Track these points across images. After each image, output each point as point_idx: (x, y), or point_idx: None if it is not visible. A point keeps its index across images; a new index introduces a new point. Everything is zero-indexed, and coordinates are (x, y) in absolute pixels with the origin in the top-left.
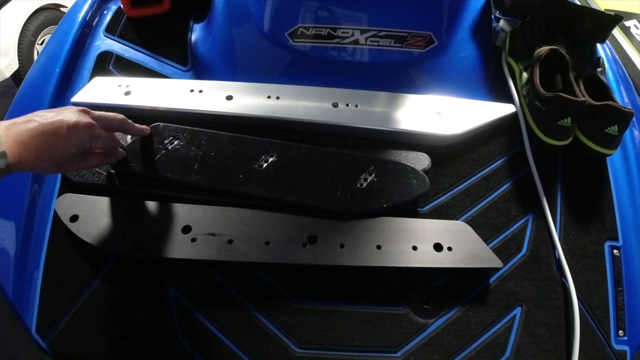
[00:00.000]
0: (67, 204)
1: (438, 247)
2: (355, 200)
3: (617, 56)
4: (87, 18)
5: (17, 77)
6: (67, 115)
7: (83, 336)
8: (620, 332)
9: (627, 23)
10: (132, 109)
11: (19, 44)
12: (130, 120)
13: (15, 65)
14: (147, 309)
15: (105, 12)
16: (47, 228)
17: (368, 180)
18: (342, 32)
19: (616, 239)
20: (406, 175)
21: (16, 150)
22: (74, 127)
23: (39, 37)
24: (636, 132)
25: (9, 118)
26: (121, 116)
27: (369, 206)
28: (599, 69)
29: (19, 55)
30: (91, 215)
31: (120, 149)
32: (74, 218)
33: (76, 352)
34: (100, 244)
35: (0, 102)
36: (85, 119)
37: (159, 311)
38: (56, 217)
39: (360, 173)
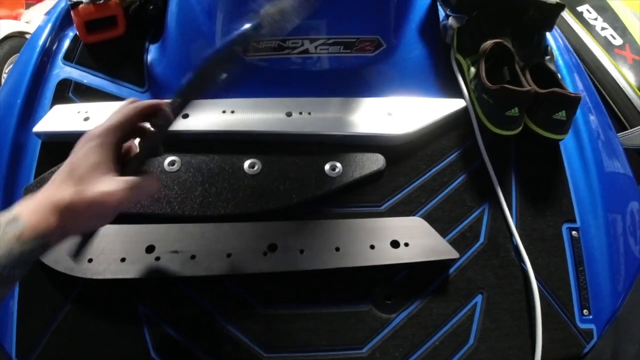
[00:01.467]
0: None
1: (395, 244)
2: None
3: (568, 44)
4: (46, 46)
5: None
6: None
7: (57, 355)
8: (585, 312)
9: (579, 8)
10: None
11: None
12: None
13: None
14: (119, 328)
15: (63, 39)
16: None
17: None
18: (292, 43)
19: (574, 221)
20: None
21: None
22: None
23: (5, 66)
24: (592, 117)
25: None
26: (131, 103)
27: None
28: (547, 57)
29: None
30: None
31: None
32: None
33: None
34: (67, 270)
35: None
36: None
37: (130, 329)
38: None
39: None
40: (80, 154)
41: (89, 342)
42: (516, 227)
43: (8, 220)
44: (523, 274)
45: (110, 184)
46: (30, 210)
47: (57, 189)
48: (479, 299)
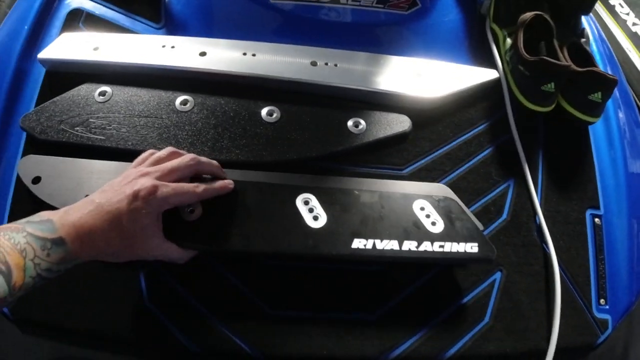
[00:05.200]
0: (31, 166)
1: None
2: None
3: (603, 35)
4: None
5: None
6: (128, 187)
7: (45, 300)
8: (602, 301)
9: (611, 1)
10: (100, 65)
11: None
12: (202, 158)
13: None
14: (113, 271)
15: None
16: (10, 191)
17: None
18: None
19: (597, 208)
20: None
21: (75, 234)
22: (133, 198)
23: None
24: (621, 110)
25: None
26: (191, 157)
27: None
28: (583, 40)
29: None
30: (53, 176)
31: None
32: (37, 180)
33: (38, 316)
34: (61, 206)
35: None
36: (148, 182)
37: (125, 273)
38: (19, 180)
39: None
40: (131, 215)
41: (78, 285)
42: (541, 207)
43: (54, 240)
44: (544, 255)
45: (163, 248)
46: (76, 242)
47: (106, 238)
48: (497, 276)
